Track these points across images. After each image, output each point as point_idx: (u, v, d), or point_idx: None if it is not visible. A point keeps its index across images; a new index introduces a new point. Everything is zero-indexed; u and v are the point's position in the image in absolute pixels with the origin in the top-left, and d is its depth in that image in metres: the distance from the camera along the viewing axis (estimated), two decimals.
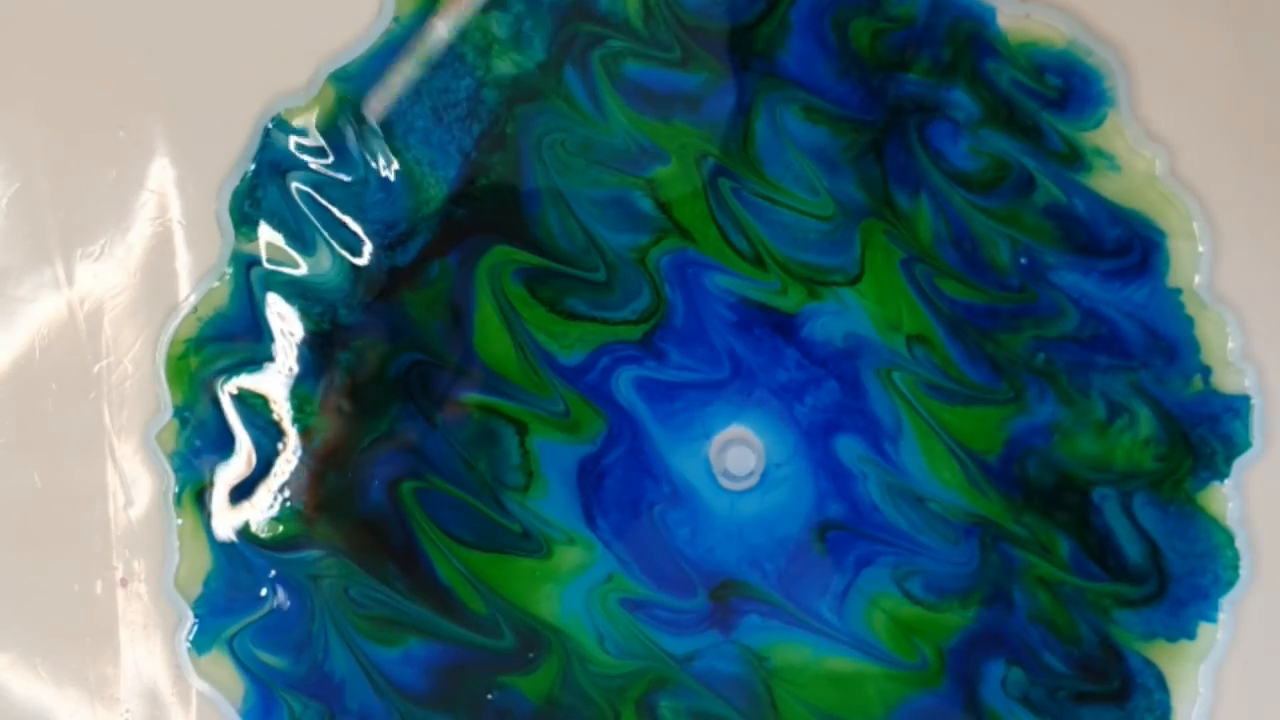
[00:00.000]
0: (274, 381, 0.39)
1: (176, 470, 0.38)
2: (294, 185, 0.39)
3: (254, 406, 0.39)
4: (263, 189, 0.39)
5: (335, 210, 0.39)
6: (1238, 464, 0.38)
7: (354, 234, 0.39)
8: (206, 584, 0.39)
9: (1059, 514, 0.39)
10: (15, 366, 0.39)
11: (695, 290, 0.39)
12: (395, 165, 0.38)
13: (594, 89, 0.39)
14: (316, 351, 0.39)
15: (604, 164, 0.39)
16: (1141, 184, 0.38)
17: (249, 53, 0.39)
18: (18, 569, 0.39)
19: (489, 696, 0.38)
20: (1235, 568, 0.38)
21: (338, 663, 0.38)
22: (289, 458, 0.39)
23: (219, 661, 0.38)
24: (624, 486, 0.39)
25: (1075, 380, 0.39)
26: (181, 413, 0.39)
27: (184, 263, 0.39)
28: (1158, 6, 0.39)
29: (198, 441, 0.39)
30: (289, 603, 0.39)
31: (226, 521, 0.39)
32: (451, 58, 0.39)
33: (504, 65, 0.39)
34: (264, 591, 0.39)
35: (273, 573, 0.39)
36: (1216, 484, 0.38)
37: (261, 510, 0.39)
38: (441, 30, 0.33)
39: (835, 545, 0.39)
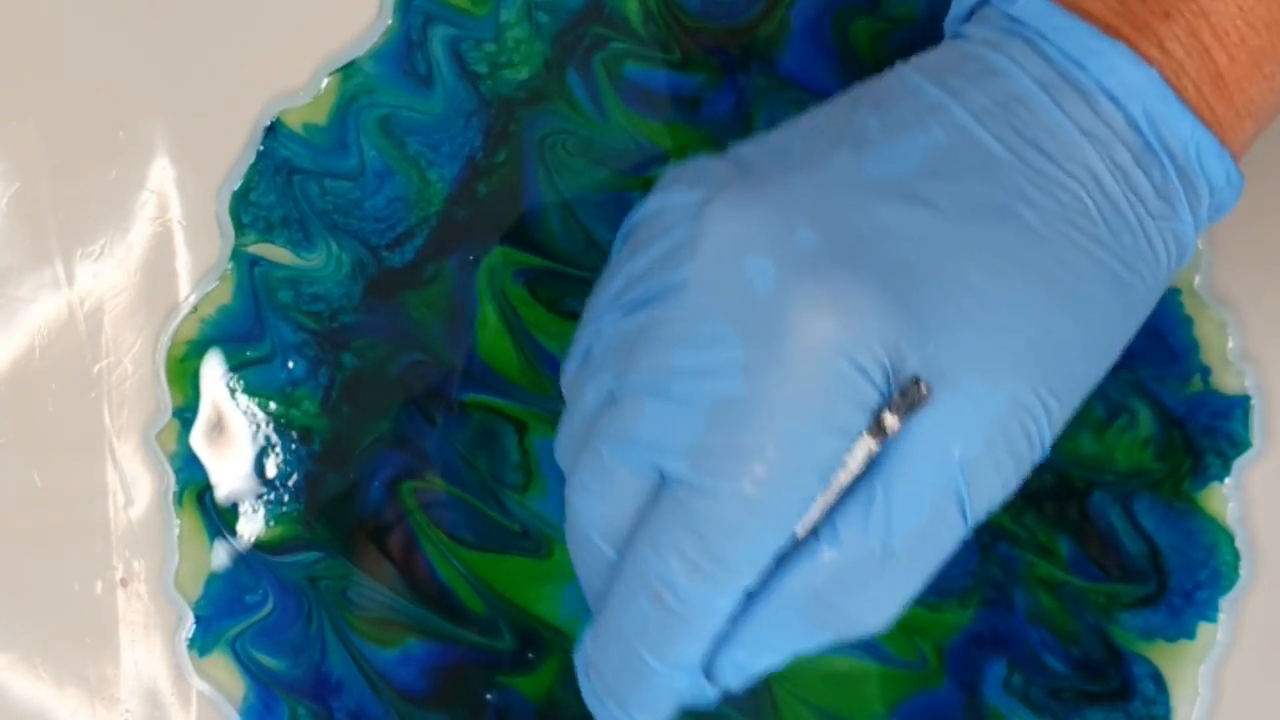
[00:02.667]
0: (274, 382, 0.39)
1: (177, 470, 0.38)
2: (294, 185, 0.39)
3: (254, 407, 0.39)
4: (263, 189, 0.39)
5: (335, 210, 0.39)
6: (1238, 464, 0.38)
7: (354, 234, 0.39)
8: (207, 585, 0.38)
9: (1059, 514, 0.39)
10: (15, 366, 0.39)
11: None
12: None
13: (595, 90, 0.39)
14: (317, 351, 0.39)
15: (604, 165, 0.39)
16: None
17: (249, 53, 0.39)
18: (18, 569, 0.39)
19: (488, 696, 0.38)
20: (1235, 568, 0.38)
21: (335, 664, 0.38)
22: (289, 459, 0.39)
23: (219, 662, 0.38)
24: None
25: None
26: (182, 413, 0.39)
27: (184, 263, 0.39)
28: None
29: (198, 442, 0.39)
30: (276, 606, 0.39)
31: (225, 524, 0.39)
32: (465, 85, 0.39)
33: (512, 75, 0.39)
34: (263, 593, 0.39)
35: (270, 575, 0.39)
36: (1216, 484, 0.38)
37: (261, 512, 0.39)
38: None
39: None
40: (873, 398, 0.28)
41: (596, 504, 0.30)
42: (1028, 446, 0.29)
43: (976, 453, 0.29)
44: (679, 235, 0.29)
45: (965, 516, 0.29)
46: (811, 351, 0.28)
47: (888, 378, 0.28)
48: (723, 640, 0.30)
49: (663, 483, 0.29)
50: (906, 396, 0.28)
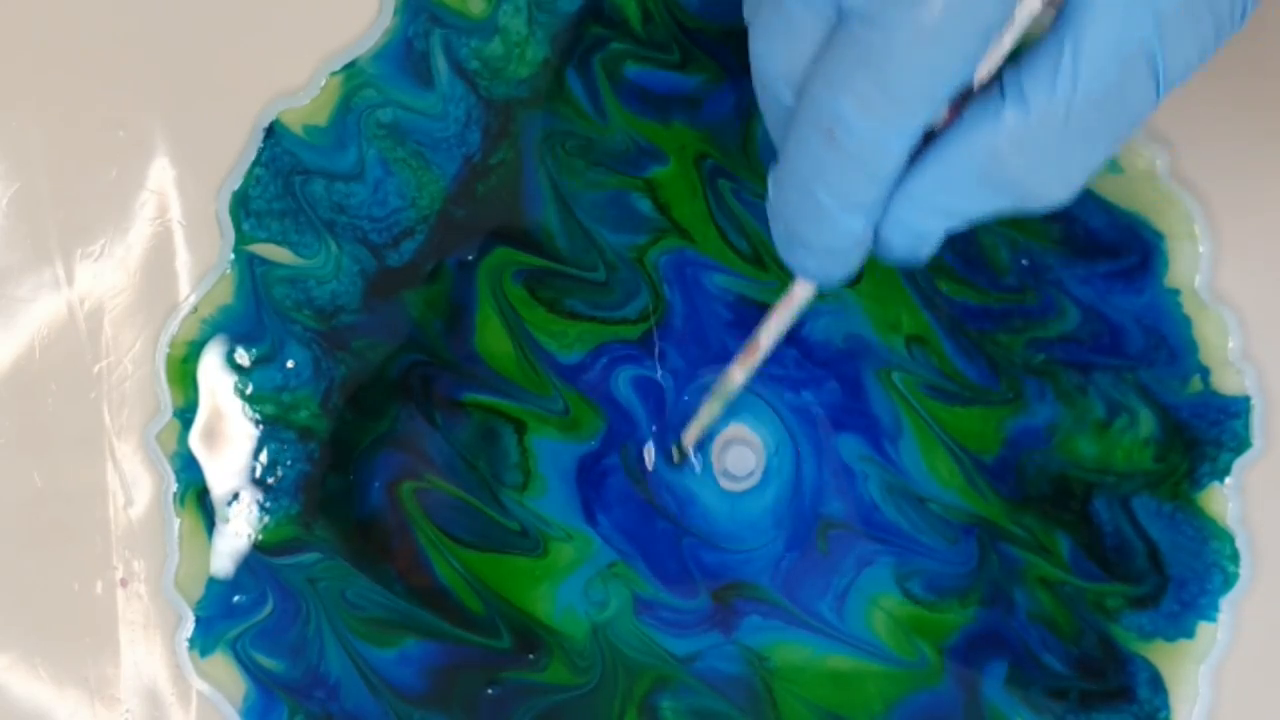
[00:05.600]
0: (274, 382, 0.39)
1: (177, 471, 0.38)
2: (294, 185, 0.39)
3: (254, 407, 0.39)
4: (263, 189, 0.39)
5: (336, 210, 0.39)
6: (1238, 464, 0.38)
7: (354, 234, 0.39)
8: (208, 587, 0.38)
9: (1058, 514, 0.39)
10: (15, 366, 0.39)
11: (694, 289, 0.39)
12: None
13: (594, 90, 0.39)
14: (317, 352, 0.39)
15: (604, 165, 0.39)
16: (1141, 184, 0.39)
17: (249, 53, 0.39)
18: (18, 569, 0.39)
19: (489, 691, 0.38)
20: (1235, 568, 0.38)
21: (333, 664, 0.38)
22: (288, 459, 0.39)
23: (220, 662, 0.38)
24: (624, 485, 0.39)
25: (1074, 380, 0.39)
26: (182, 413, 0.39)
27: (184, 263, 0.39)
28: None
29: (198, 442, 0.39)
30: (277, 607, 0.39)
31: (226, 525, 0.39)
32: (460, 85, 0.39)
33: (512, 75, 0.39)
34: (263, 595, 0.39)
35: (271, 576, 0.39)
36: (1216, 484, 0.38)
37: (260, 513, 0.39)
38: (739, 378, 0.36)
39: (836, 545, 0.39)
40: None
41: (777, 46, 0.29)
42: (1228, 8, 0.28)
43: (1174, 7, 0.27)
44: None
45: (1158, 80, 0.28)
46: None
47: None
48: (894, 194, 0.29)
49: (840, 22, 0.28)
50: None
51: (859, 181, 0.29)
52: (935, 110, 0.28)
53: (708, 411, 0.37)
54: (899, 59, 0.27)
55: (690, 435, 0.38)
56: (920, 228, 0.30)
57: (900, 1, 0.27)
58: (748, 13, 0.31)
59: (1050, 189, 0.29)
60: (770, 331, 0.34)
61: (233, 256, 0.39)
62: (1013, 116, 0.28)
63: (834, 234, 0.30)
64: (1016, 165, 0.28)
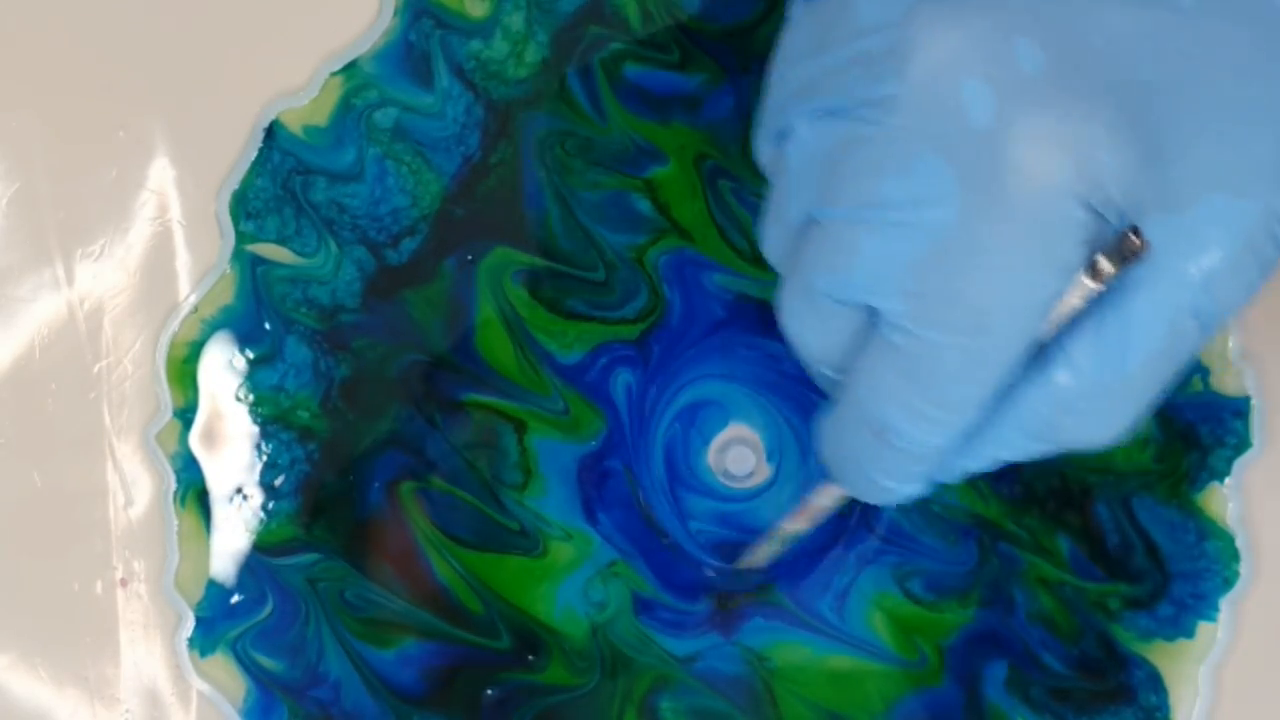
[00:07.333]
0: (273, 382, 0.39)
1: (177, 471, 0.38)
2: (294, 185, 0.39)
3: (254, 408, 0.39)
4: (263, 188, 0.39)
5: (335, 210, 0.39)
6: (1238, 464, 0.38)
7: (354, 234, 0.39)
8: (209, 587, 0.38)
9: (1058, 514, 0.39)
10: (15, 366, 0.39)
11: (693, 289, 0.39)
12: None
13: (594, 91, 0.39)
14: (317, 351, 0.39)
15: (604, 165, 0.39)
16: None
17: (249, 53, 0.39)
18: (18, 569, 0.39)
19: (488, 691, 0.38)
20: (1235, 568, 0.38)
21: (333, 664, 0.38)
22: (288, 459, 0.39)
23: (219, 662, 0.38)
24: (625, 485, 0.39)
25: None
26: (182, 413, 0.39)
27: (184, 263, 0.39)
28: None
29: (198, 442, 0.39)
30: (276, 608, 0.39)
31: (225, 525, 0.39)
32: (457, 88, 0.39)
33: (511, 74, 0.39)
34: (263, 596, 0.39)
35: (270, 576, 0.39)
36: (1216, 484, 0.38)
37: (260, 513, 0.39)
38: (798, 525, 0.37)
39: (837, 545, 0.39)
40: (1102, 233, 0.26)
41: (810, 335, 0.29)
42: (1274, 249, 0.27)
43: (1220, 268, 0.27)
44: (880, 41, 0.27)
45: (1206, 328, 0.28)
46: (1038, 197, 0.26)
47: (1120, 213, 0.26)
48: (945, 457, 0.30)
49: (875, 315, 0.28)
50: (1122, 247, 0.26)
51: (909, 466, 0.29)
52: (982, 407, 0.28)
53: (766, 549, 0.38)
54: (945, 375, 0.27)
55: (749, 560, 0.38)
56: (968, 472, 0.30)
57: (940, 324, 0.27)
58: (773, 262, 0.31)
59: (1097, 437, 0.29)
60: (826, 501, 0.35)
61: (233, 256, 0.39)
62: (1063, 381, 0.28)
63: (888, 496, 0.30)
64: (1066, 424, 0.28)
